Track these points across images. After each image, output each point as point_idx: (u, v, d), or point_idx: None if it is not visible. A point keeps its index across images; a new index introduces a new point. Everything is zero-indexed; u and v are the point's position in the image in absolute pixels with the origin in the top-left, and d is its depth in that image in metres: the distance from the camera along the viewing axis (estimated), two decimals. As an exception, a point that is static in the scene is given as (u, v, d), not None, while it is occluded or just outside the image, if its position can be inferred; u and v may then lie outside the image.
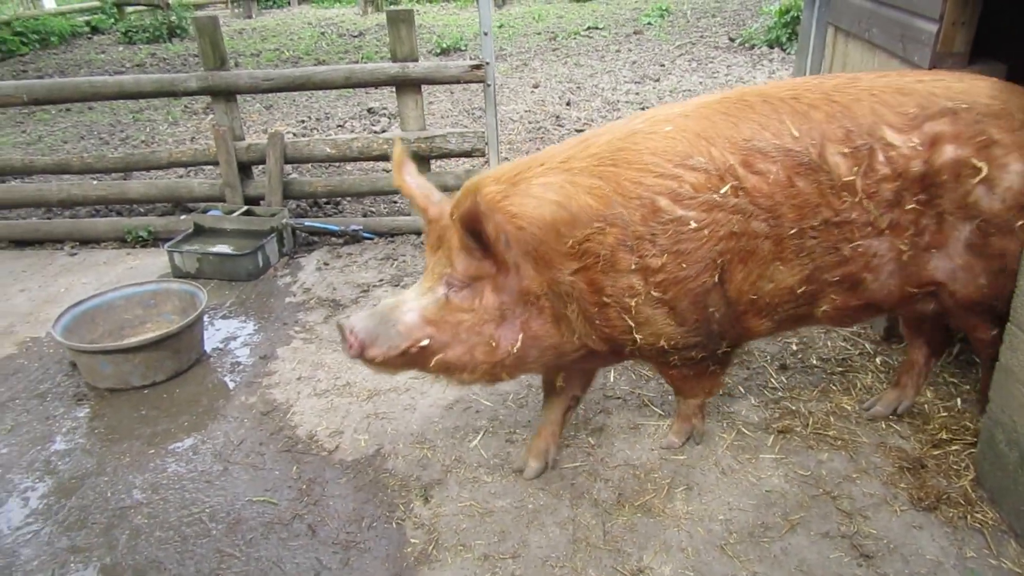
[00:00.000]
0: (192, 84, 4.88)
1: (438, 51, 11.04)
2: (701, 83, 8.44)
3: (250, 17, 16.63)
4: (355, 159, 5.16)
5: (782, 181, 2.26)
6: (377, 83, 4.88)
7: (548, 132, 7.11)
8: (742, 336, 2.58)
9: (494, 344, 2.30)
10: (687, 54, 10.05)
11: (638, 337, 2.37)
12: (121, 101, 8.90)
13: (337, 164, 6.39)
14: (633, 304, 2.30)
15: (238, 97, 5.11)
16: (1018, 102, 2.35)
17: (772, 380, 3.34)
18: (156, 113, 8.65)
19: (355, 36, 13.02)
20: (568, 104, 7.99)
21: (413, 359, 2.31)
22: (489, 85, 4.76)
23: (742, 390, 3.30)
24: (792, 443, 2.95)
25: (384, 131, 7.22)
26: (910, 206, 2.32)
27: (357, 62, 10.48)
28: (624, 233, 2.22)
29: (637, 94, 8.18)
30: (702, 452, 2.94)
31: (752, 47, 10.01)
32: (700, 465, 2.87)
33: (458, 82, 4.87)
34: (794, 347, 3.57)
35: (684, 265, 2.27)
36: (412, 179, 2.40)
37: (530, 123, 7.43)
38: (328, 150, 4.97)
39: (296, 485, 2.93)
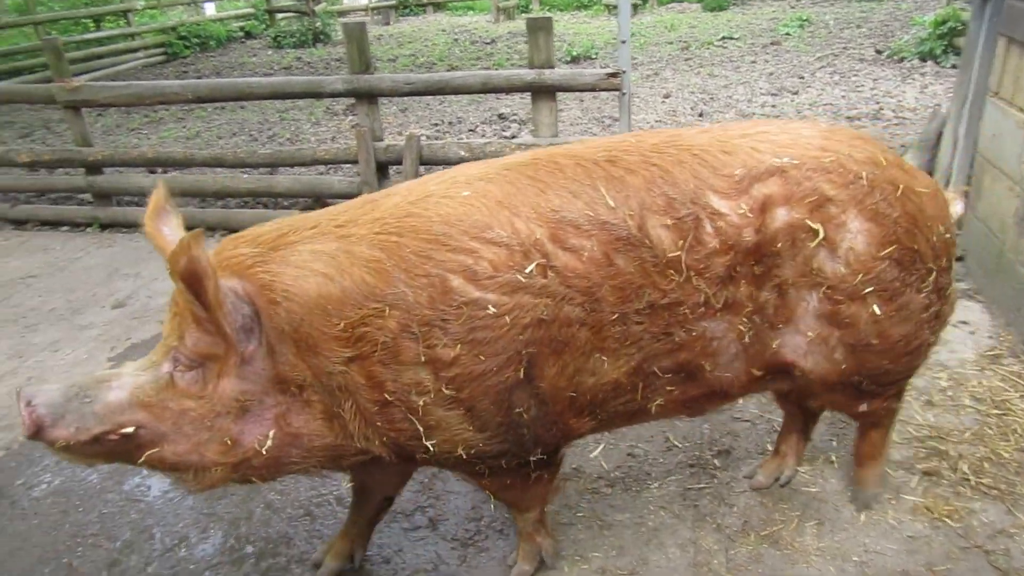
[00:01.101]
0: (338, 86, 5.12)
1: (568, 59, 11.09)
2: (843, 96, 8.05)
3: (388, 24, 17.32)
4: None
5: (598, 259, 1.91)
6: (513, 89, 4.96)
7: (678, 143, 6.98)
8: (562, 438, 2.21)
9: (230, 442, 1.88)
10: (828, 66, 9.61)
11: (429, 444, 1.95)
12: (270, 101, 9.48)
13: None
14: (421, 404, 1.89)
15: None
16: (849, 151, 2.04)
17: (917, 416, 3.11)
18: (300, 113, 9.15)
19: (487, 43, 13.29)
20: (700, 115, 7.82)
21: (115, 450, 1.86)
22: (624, 94, 4.73)
23: (883, 423, 3.09)
24: (939, 487, 2.74)
25: (514, 137, 7.32)
26: (746, 280, 2.01)
27: (489, 68, 10.68)
28: (408, 317, 1.83)
29: (774, 107, 7.90)
30: (836, 487, 2.78)
31: (901, 60, 9.45)
32: (834, 500, 2.72)
33: (593, 90, 4.87)
34: (943, 383, 3.32)
35: (482, 357, 1.87)
36: (169, 229, 2.01)
37: (660, 133, 7.32)
38: (462, 153, 5.08)
39: (419, 478, 3.00)
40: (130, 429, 1.82)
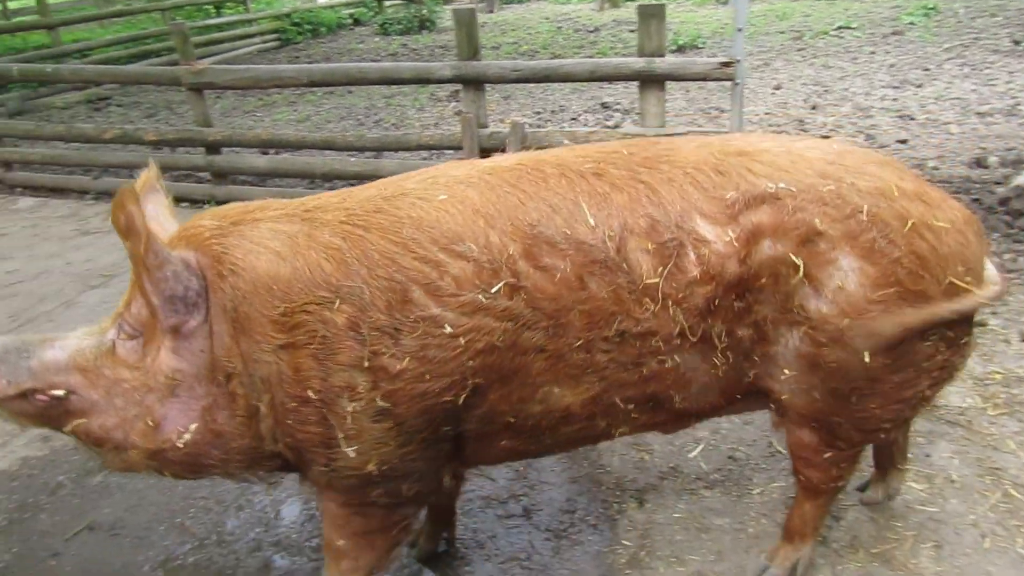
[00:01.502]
0: (446, 72, 5.16)
1: (674, 48, 10.83)
2: (974, 90, 7.53)
3: (491, 12, 17.39)
4: (590, 153, 5.18)
5: (570, 281, 1.77)
6: (620, 78, 4.87)
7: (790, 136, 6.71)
8: (479, 461, 2.11)
9: (152, 424, 1.78)
10: (958, 58, 9.00)
11: (342, 454, 1.80)
12: (376, 86, 9.70)
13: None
14: (349, 410, 1.75)
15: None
16: (853, 179, 1.82)
17: (1050, 439, 2.88)
18: (405, 99, 9.32)
19: (590, 31, 13.15)
20: (814, 108, 7.49)
21: (44, 412, 1.81)
22: (738, 84, 4.56)
23: (1012, 444, 2.88)
24: (1075, 515, 2.53)
25: (617, 126, 7.21)
26: (726, 314, 1.84)
27: (592, 57, 10.56)
28: (359, 316, 1.71)
29: (895, 100, 7.47)
30: (958, 509, 2.60)
31: (1041, 52, 8.75)
32: (955, 523, 2.55)
33: (704, 79, 4.73)
34: (1081, 403, 3.06)
35: (428, 377, 1.75)
36: (152, 208, 1.92)
37: (770, 126, 7.06)
38: (566, 142, 5.02)
39: (514, 466, 3.00)
40: (60, 392, 1.77)
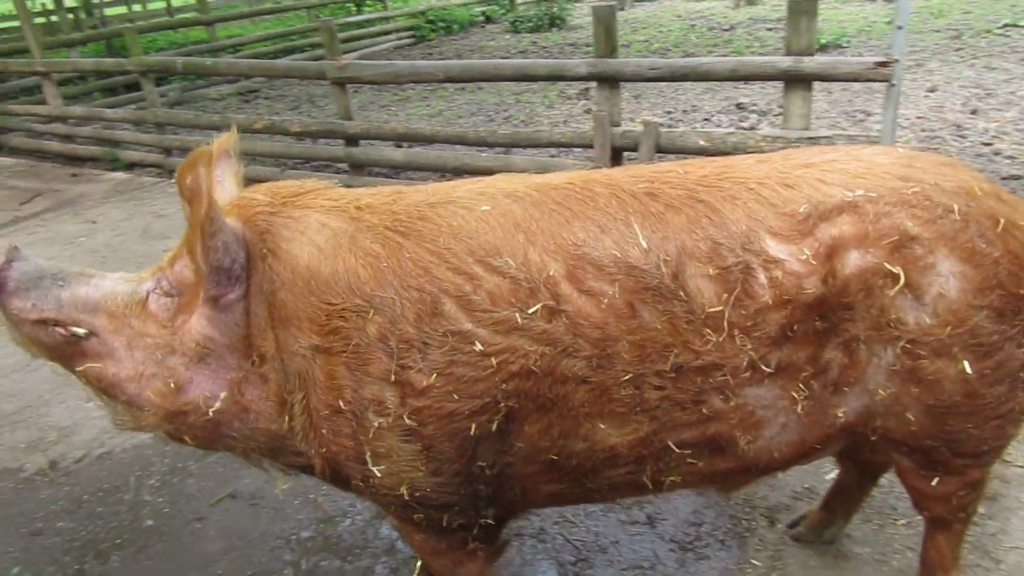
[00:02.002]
0: (581, 70, 5.13)
1: (815, 47, 10.32)
2: None
3: (623, 9, 17.20)
4: (727, 155, 5.01)
5: (619, 308, 1.62)
6: (764, 77, 4.68)
7: (945, 143, 6.24)
8: (522, 504, 1.94)
9: (174, 386, 1.74)
10: None
11: (371, 471, 1.73)
12: (506, 83, 9.81)
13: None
14: (376, 425, 1.67)
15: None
16: (935, 179, 1.67)
17: None
18: (535, 96, 9.37)
19: (725, 30, 12.74)
20: (973, 112, 6.93)
21: (59, 347, 1.76)
22: (894, 85, 4.28)
23: None
24: None
25: (753, 128, 6.95)
26: (806, 339, 1.65)
27: (727, 56, 10.23)
28: (389, 328, 1.63)
29: (1070, 106, 6.80)
30: None
31: None
32: None
33: (856, 80, 4.47)
34: None
35: (456, 396, 1.65)
36: (219, 173, 1.87)
37: (923, 131, 6.59)
38: (701, 143, 4.89)
39: (639, 472, 2.94)
40: (81, 331, 1.73)
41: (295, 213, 1.75)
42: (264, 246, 1.70)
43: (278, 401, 1.75)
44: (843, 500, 2.47)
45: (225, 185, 1.92)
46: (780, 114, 7.38)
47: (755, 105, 7.87)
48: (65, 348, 1.76)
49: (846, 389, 1.73)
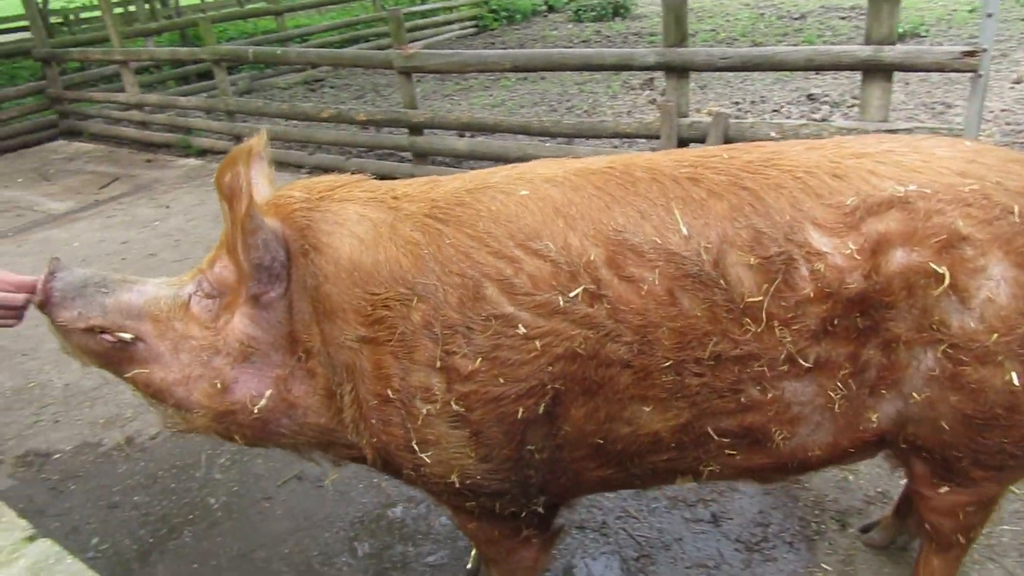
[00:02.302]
0: (650, 59, 5.05)
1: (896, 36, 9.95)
2: None
3: (689, -3, 16.90)
4: (798, 147, 4.88)
5: (659, 295, 1.59)
6: (842, 67, 4.53)
7: (1032, 137, 5.95)
8: (572, 490, 1.92)
9: (220, 386, 1.75)
10: None
11: (421, 459, 1.73)
12: (568, 73, 9.75)
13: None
14: (424, 412, 1.68)
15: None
16: (998, 177, 1.58)
17: None
18: (597, 86, 9.28)
19: (795, 19, 12.38)
20: (1063, 105, 6.58)
21: (107, 353, 1.78)
22: (981, 75, 4.08)
23: None
24: None
25: (825, 119, 6.74)
26: (846, 335, 1.61)
27: (797, 45, 9.94)
28: (433, 315, 1.63)
29: None
30: None
31: None
32: None
33: (940, 71, 4.28)
34: None
35: (501, 380, 1.64)
36: (255, 173, 1.85)
37: (1007, 124, 6.29)
38: (772, 134, 4.76)
39: (704, 469, 2.90)
40: (128, 336, 1.75)
41: (333, 207, 1.75)
42: (305, 242, 1.71)
43: (326, 395, 1.77)
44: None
45: (259, 187, 1.94)
46: (853, 105, 7.17)
47: (827, 96, 7.64)
48: (113, 355, 1.78)
49: (883, 392, 1.68)
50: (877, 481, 2.75)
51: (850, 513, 2.63)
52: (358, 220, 1.72)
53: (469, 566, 2.55)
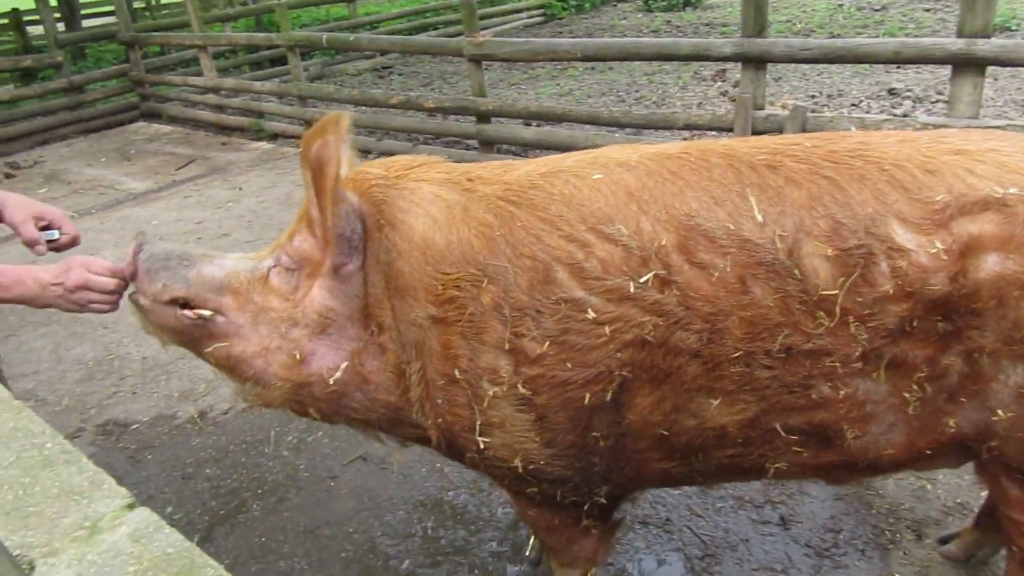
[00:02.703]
0: (727, 49, 4.94)
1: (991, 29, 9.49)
2: None
3: (764, -13, 16.46)
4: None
5: (731, 283, 1.55)
6: (932, 60, 4.34)
7: None
8: (634, 482, 1.90)
9: (299, 357, 1.76)
10: None
11: (483, 441, 1.72)
12: (636, 64, 9.62)
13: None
14: (490, 394, 1.67)
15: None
16: None
17: None
18: (667, 77, 9.12)
19: (876, 10, 11.93)
20: None
21: (187, 330, 1.80)
22: (1084, 71, 3.86)
23: None
24: None
25: (906, 115, 6.48)
26: (925, 338, 1.54)
27: (876, 38, 9.58)
28: (503, 296, 1.62)
29: None
30: None
31: None
32: None
33: (1038, 65, 4.05)
34: None
35: (569, 364, 1.62)
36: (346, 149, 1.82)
37: (1107, 124, 5.94)
38: (853, 129, 4.60)
39: (772, 471, 2.83)
40: (207, 313, 1.77)
41: (409, 185, 1.77)
42: (381, 217, 1.72)
43: (395, 372, 1.78)
44: (997, 519, 2.26)
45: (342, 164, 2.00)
46: (937, 100, 6.87)
47: (909, 91, 7.34)
48: (193, 331, 1.81)
49: (963, 400, 1.61)
50: (956, 492, 2.64)
51: (927, 523, 2.53)
52: (433, 200, 1.73)
53: (529, 554, 2.55)
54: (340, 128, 1.63)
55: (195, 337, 1.83)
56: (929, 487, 2.68)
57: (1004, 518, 1.86)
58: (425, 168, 1.83)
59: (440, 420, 1.77)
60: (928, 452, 1.72)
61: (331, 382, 1.77)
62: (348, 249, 1.73)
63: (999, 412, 1.59)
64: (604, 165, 1.72)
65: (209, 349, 1.82)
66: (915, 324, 1.54)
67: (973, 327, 1.53)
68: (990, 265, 1.49)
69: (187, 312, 1.78)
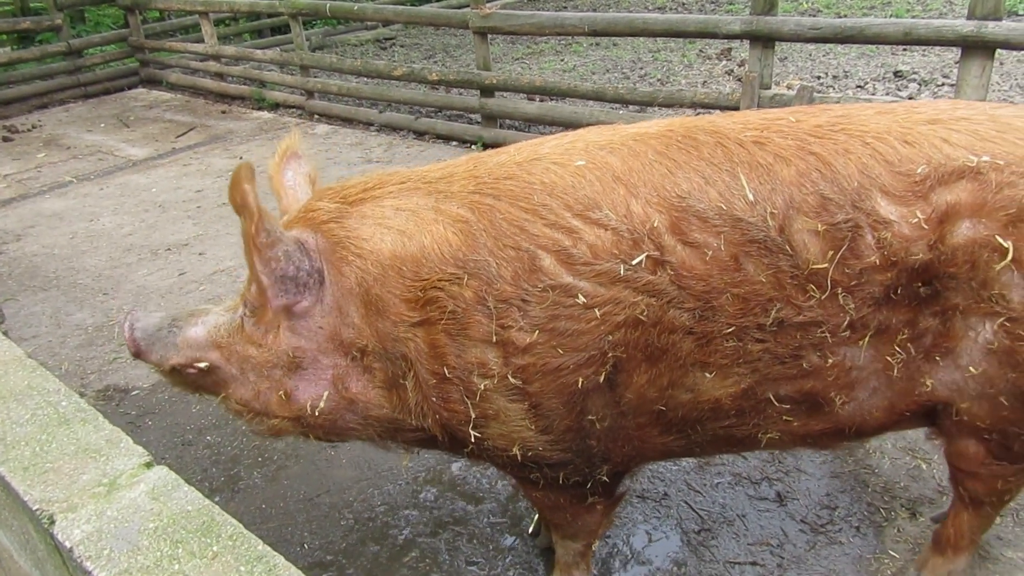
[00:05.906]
0: (735, 27, 4.89)
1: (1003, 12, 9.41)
2: None
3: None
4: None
5: (724, 261, 1.60)
6: (941, 42, 4.30)
7: None
8: (634, 458, 1.93)
9: (284, 396, 1.80)
10: None
11: (477, 434, 1.75)
12: (641, 40, 9.53)
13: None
14: (482, 388, 1.68)
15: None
16: None
17: None
18: (672, 55, 9.05)
19: (884, -10, 11.81)
20: None
21: (198, 382, 1.89)
22: (1094, 57, 3.83)
23: None
24: None
25: (912, 98, 6.45)
26: (908, 304, 1.63)
27: (885, 18, 9.49)
28: (486, 290, 1.63)
29: None
30: None
31: None
32: None
33: (1048, 49, 4.03)
34: None
35: (560, 351, 1.64)
36: (291, 174, 1.95)
37: (1113, 111, 5.92)
38: (859, 111, 4.58)
39: (770, 448, 2.86)
40: (204, 365, 1.83)
41: (366, 209, 1.77)
42: (346, 252, 1.73)
43: (386, 388, 1.80)
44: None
45: (297, 189, 2.00)
46: (943, 84, 6.83)
47: (915, 73, 7.30)
48: (202, 382, 1.89)
49: (938, 359, 1.70)
50: (952, 473, 2.67)
51: (921, 502, 2.57)
52: (395, 214, 1.74)
53: (531, 529, 2.58)
54: (252, 176, 1.62)
55: (207, 386, 1.91)
56: (924, 467, 2.71)
57: (958, 470, 1.97)
58: (379, 186, 1.83)
59: (438, 416, 1.79)
60: (907, 414, 1.82)
61: (316, 412, 1.81)
62: (295, 288, 1.73)
63: (971, 369, 1.68)
64: (585, 149, 1.73)
65: (222, 396, 1.90)
66: (898, 291, 1.63)
67: (949, 288, 1.63)
68: (964, 230, 1.57)
69: (189, 369, 1.86)
